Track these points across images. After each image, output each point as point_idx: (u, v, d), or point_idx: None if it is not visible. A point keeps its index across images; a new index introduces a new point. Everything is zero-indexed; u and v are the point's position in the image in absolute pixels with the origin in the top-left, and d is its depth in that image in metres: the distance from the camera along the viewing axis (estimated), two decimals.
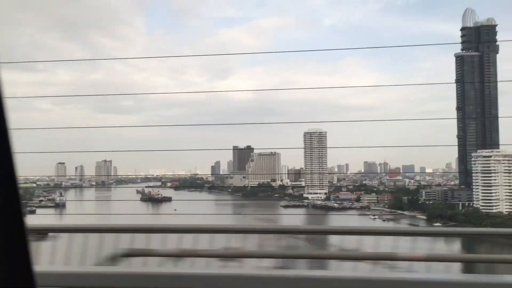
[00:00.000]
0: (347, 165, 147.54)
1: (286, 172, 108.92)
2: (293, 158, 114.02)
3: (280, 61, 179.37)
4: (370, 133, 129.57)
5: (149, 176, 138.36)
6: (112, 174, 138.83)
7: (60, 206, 72.71)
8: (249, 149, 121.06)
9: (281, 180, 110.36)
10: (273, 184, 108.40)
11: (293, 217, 74.01)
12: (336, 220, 72.43)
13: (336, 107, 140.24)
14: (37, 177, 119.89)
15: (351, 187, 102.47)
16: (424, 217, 68.05)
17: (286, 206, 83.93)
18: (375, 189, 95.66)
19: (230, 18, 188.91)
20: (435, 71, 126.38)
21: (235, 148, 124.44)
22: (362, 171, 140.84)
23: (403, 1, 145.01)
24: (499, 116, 72.18)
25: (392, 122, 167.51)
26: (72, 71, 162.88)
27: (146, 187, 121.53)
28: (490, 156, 66.83)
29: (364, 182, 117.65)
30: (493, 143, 72.56)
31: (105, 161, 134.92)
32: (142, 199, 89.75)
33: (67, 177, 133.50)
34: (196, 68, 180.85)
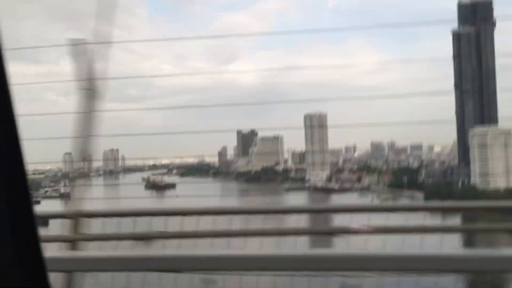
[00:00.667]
0: (354, 146, 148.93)
1: (288, 156, 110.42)
2: (298, 141, 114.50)
3: (284, 44, 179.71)
4: (377, 113, 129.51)
5: (157, 164, 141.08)
6: (119, 163, 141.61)
7: (64, 196, 74.76)
8: (253, 133, 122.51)
9: (285, 163, 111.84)
10: (277, 167, 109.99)
11: (292, 200, 75.45)
12: (336, 201, 73.68)
13: (342, 89, 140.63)
14: (47, 168, 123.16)
15: (355, 167, 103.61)
16: (422, 196, 69.00)
17: (288, 189, 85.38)
18: (378, 169, 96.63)
19: (233, 3, 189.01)
20: (439, 48, 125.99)
21: (239, 133, 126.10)
22: (370, 151, 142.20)
23: None
24: (497, 91, 72.28)
25: (400, 102, 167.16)
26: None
27: (152, 174, 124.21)
28: (486, 133, 67.47)
29: (369, 162, 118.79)
30: (491, 119, 72.97)
31: (111, 150, 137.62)
32: (147, 187, 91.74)
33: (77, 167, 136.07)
34: (200, 54, 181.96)
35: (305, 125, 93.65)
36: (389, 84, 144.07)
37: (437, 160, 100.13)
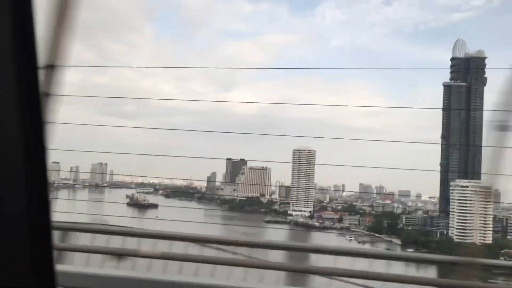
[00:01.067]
0: (343, 185, 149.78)
1: (275, 189, 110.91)
2: (286, 175, 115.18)
3: (285, 78, 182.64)
4: (368, 155, 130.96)
5: (145, 183, 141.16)
6: (107, 177, 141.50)
7: None
8: (242, 161, 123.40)
9: (270, 195, 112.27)
10: (262, 198, 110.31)
11: (271, 232, 75.70)
12: (313, 238, 73.99)
13: (339, 127, 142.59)
14: None
15: (339, 207, 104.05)
16: (399, 242, 69.46)
17: (268, 221, 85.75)
18: (361, 211, 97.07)
19: (238, 32, 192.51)
20: (439, 97, 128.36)
21: (228, 160, 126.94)
22: (358, 192, 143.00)
23: (411, 27, 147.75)
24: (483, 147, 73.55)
25: (394, 147, 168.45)
26: (77, 72, 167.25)
27: (137, 192, 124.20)
28: (467, 186, 68.39)
29: (355, 203, 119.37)
30: (475, 173, 74.04)
31: (100, 163, 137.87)
32: (128, 204, 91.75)
33: (63, 177, 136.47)
34: (201, 78, 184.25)
35: (293, 160, 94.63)
36: (384, 127, 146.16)
37: (422, 209, 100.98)
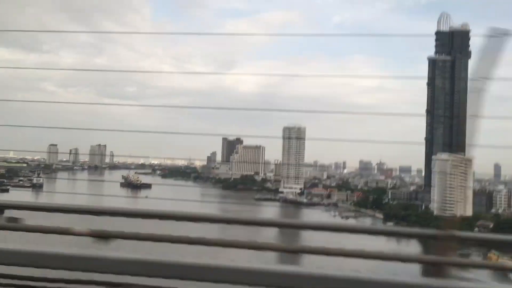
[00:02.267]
0: (344, 162, 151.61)
1: (269, 167, 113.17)
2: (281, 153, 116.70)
3: (285, 55, 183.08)
4: (371, 132, 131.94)
5: (145, 164, 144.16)
6: (108, 159, 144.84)
7: (36, 187, 77.58)
8: (238, 140, 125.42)
9: (265, 174, 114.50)
10: (256, 177, 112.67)
11: (258, 209, 77.99)
12: (298, 215, 76.11)
13: (340, 104, 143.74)
14: (34, 158, 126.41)
15: (334, 184, 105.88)
16: (381, 217, 71.36)
17: (258, 199, 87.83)
18: (353, 187, 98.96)
19: (237, 10, 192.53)
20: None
21: (224, 139, 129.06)
22: (358, 169, 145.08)
23: (413, 1, 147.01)
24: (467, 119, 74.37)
25: (395, 123, 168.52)
26: (77, 53, 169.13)
27: (136, 173, 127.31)
28: (447, 160, 69.70)
29: (350, 180, 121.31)
30: (460, 147, 75.16)
31: (99, 145, 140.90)
32: (122, 184, 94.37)
33: (62, 159, 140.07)
34: (201, 58, 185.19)
35: (283, 138, 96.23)
36: (385, 103, 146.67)
37: (418, 184, 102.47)
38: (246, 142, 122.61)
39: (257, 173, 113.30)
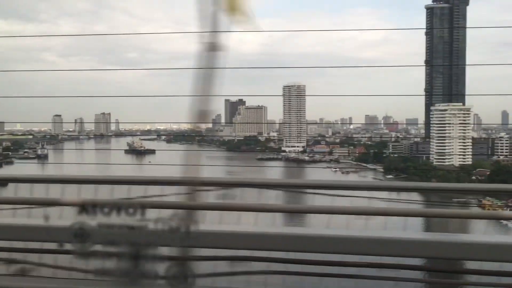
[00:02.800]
0: (350, 118, 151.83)
1: (273, 126, 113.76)
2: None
3: (289, 11, 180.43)
4: (377, 86, 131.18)
5: (151, 130, 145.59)
6: (114, 127, 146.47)
7: (41, 158, 79.24)
8: (240, 102, 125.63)
9: (268, 133, 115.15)
10: (260, 137, 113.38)
11: (261, 169, 79.05)
12: (299, 173, 77.24)
13: (344, 59, 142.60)
14: (43, 129, 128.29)
15: (337, 140, 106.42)
16: (382, 170, 72.06)
17: (260, 159, 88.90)
18: (356, 142, 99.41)
19: None
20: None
21: (227, 101, 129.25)
22: (364, 124, 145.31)
23: None
24: (466, 68, 74.02)
25: (401, 75, 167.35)
26: (75, 22, 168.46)
27: (140, 139, 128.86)
28: (445, 110, 69.59)
29: (355, 135, 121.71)
30: (459, 96, 75.01)
31: (103, 114, 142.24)
32: (126, 151, 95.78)
33: (68, 129, 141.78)
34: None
35: (284, 96, 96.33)
36: (390, 57, 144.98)
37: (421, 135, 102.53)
38: (249, 102, 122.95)
39: (260, 134, 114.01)
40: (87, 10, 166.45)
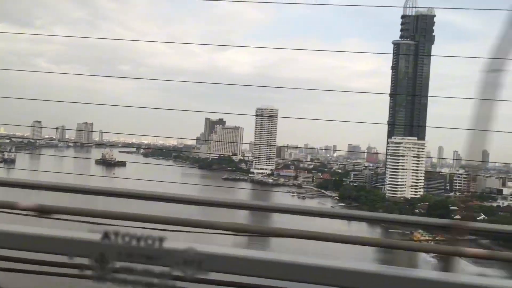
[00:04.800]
0: (334, 146, 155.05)
1: (241, 146, 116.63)
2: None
3: (283, 37, 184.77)
4: (362, 114, 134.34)
5: (135, 142, 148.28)
6: (97, 137, 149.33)
7: (7, 162, 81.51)
8: (220, 121, 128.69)
9: (243, 154, 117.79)
10: (234, 157, 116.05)
11: (220, 189, 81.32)
12: (258, 194, 79.45)
13: (335, 87, 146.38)
14: (26, 134, 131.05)
15: (311, 166, 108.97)
16: (337, 197, 74.54)
17: (226, 179, 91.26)
18: (325, 169, 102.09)
19: None
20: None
21: (207, 119, 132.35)
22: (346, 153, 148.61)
23: None
24: (427, 105, 77.08)
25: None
26: (70, 30, 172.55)
27: (119, 151, 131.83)
28: (400, 143, 72.31)
29: (328, 162, 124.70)
30: (420, 131, 77.80)
31: (86, 123, 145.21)
32: (97, 162, 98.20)
33: (46, 136, 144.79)
34: (196, 38, 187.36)
35: (256, 119, 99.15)
36: (380, 87, 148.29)
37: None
38: (230, 123, 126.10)
39: (235, 154, 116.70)
40: (83, 20, 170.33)
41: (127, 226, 2.59)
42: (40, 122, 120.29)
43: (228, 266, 2.43)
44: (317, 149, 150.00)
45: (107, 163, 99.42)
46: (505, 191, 77.80)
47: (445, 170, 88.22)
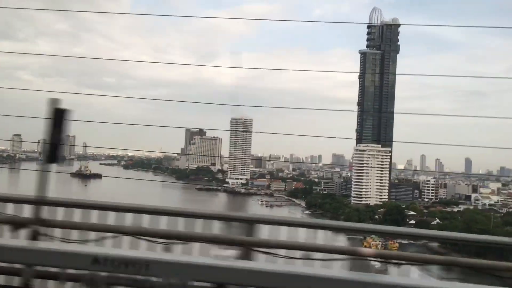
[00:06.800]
0: (320, 156, 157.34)
1: (220, 157, 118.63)
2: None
3: (267, 49, 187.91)
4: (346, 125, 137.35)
5: (119, 155, 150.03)
6: (81, 150, 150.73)
7: None
8: (201, 131, 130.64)
9: (221, 165, 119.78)
10: (212, 167, 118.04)
11: (193, 198, 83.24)
12: (230, 203, 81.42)
13: (321, 98, 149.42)
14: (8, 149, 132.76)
15: (290, 175, 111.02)
16: (304, 205, 76.57)
17: (199, 189, 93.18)
18: (301, 178, 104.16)
19: (217, 1, 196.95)
20: (419, 68, 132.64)
21: (187, 130, 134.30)
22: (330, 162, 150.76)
23: None
24: (394, 113, 79.34)
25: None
26: (53, 42, 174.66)
27: (101, 164, 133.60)
28: (364, 151, 74.56)
29: (314, 171, 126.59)
30: (387, 139, 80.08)
31: (67, 136, 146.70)
32: (73, 175, 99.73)
33: (32, 150, 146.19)
34: (181, 49, 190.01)
35: (231, 129, 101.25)
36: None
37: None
38: (211, 133, 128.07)
39: (213, 164, 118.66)
40: (66, 32, 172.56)
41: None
42: (20, 135, 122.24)
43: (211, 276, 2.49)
44: (302, 160, 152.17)
45: (82, 176, 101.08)
46: (473, 197, 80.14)
47: (422, 178, 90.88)
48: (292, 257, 3.41)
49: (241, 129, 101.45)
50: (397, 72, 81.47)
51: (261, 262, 2.96)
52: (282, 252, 3.38)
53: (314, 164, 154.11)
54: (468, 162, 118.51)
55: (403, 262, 3.48)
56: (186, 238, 3.38)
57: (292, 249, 3.23)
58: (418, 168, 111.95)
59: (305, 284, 2.48)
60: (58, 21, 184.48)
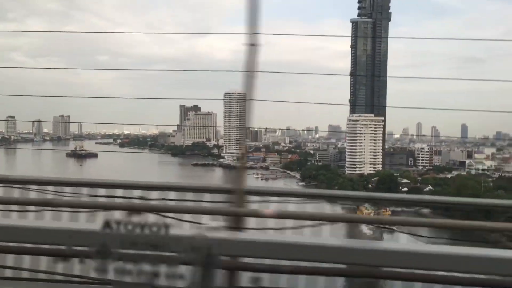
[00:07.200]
0: (316, 127, 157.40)
1: (216, 132, 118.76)
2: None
3: (261, 20, 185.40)
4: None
5: (115, 134, 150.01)
6: (77, 129, 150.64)
7: None
8: (195, 107, 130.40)
9: (217, 140, 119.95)
10: (208, 143, 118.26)
11: (188, 174, 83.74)
12: (224, 177, 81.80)
13: (316, 68, 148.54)
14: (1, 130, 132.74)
15: (286, 148, 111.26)
16: (299, 177, 77.11)
17: (195, 164, 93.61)
18: (296, 150, 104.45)
19: None
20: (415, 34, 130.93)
21: (182, 106, 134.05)
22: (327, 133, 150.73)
23: None
24: (387, 80, 79.24)
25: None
26: (45, 22, 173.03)
27: (97, 143, 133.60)
28: (357, 120, 74.72)
29: (300, 143, 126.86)
30: (380, 108, 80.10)
31: (62, 116, 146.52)
32: (68, 154, 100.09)
33: (27, 131, 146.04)
34: (174, 25, 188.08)
35: (224, 103, 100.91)
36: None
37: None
38: (206, 108, 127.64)
39: (209, 140, 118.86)
40: (57, 11, 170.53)
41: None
42: (13, 117, 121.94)
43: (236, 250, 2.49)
44: (298, 131, 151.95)
45: (78, 155, 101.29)
46: (467, 163, 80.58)
47: (418, 146, 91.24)
48: (284, 228, 3.35)
49: (235, 102, 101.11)
50: (389, 41, 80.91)
51: (252, 232, 2.97)
52: (273, 222, 3.34)
53: (310, 136, 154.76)
54: (464, 128, 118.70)
55: (393, 227, 3.53)
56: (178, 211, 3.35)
57: (283, 218, 3.19)
58: (414, 137, 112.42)
59: (297, 253, 2.50)
60: (49, 1, 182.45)
